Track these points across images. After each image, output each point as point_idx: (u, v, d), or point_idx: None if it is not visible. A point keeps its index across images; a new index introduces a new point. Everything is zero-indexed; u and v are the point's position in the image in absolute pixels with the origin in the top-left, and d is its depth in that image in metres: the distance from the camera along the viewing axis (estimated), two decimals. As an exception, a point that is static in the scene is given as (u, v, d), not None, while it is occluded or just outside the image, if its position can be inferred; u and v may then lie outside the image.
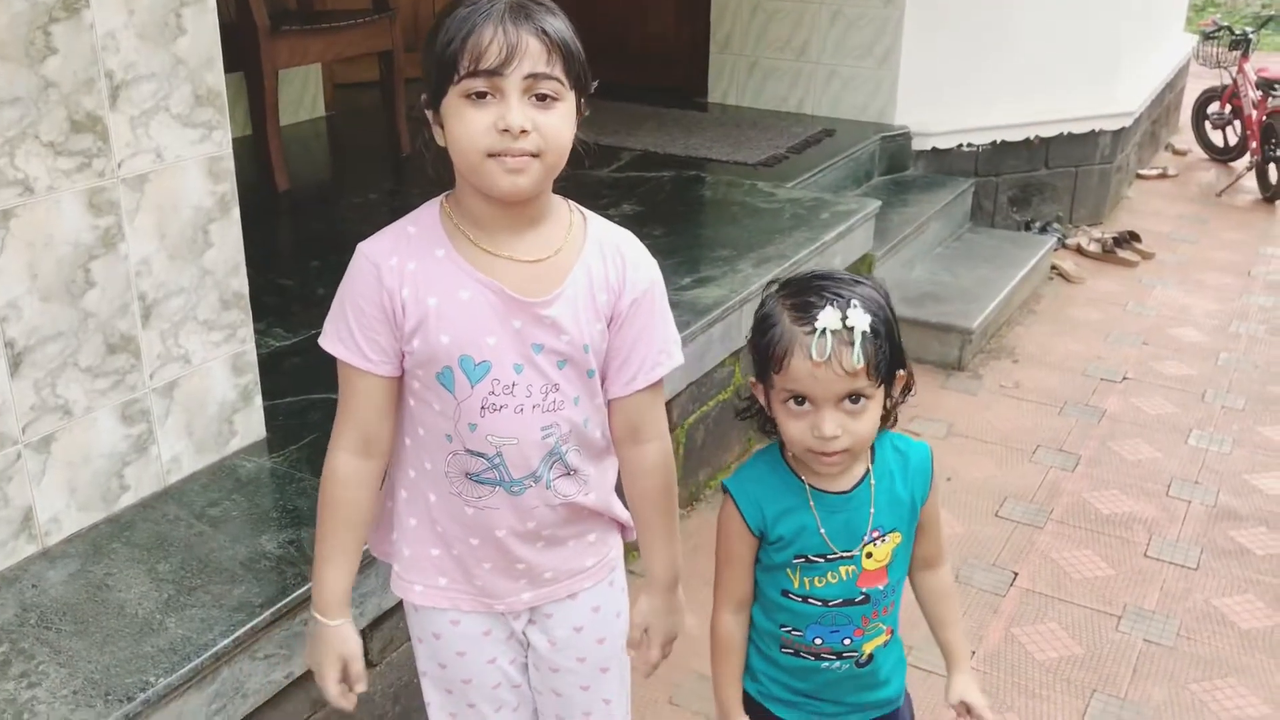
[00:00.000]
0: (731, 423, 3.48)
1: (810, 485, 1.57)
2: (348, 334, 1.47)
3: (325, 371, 1.62)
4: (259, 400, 2.47)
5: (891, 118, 5.42)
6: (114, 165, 2.06)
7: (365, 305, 1.46)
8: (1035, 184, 5.93)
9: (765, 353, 1.50)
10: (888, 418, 1.57)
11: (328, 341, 1.50)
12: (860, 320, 1.44)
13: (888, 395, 1.54)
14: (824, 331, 1.43)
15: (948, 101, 5.45)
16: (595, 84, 1.46)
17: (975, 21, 5.45)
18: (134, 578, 2.03)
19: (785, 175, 4.68)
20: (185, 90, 2.17)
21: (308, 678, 1.99)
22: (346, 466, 1.52)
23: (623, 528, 1.70)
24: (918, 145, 5.46)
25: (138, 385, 2.19)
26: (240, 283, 2.36)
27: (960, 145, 5.59)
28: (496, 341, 1.45)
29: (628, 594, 1.74)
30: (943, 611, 1.71)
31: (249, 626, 1.91)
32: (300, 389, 2.69)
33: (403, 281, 1.44)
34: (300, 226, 4.10)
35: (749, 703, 1.69)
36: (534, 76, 1.35)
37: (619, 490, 1.67)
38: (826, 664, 1.63)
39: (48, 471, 2.07)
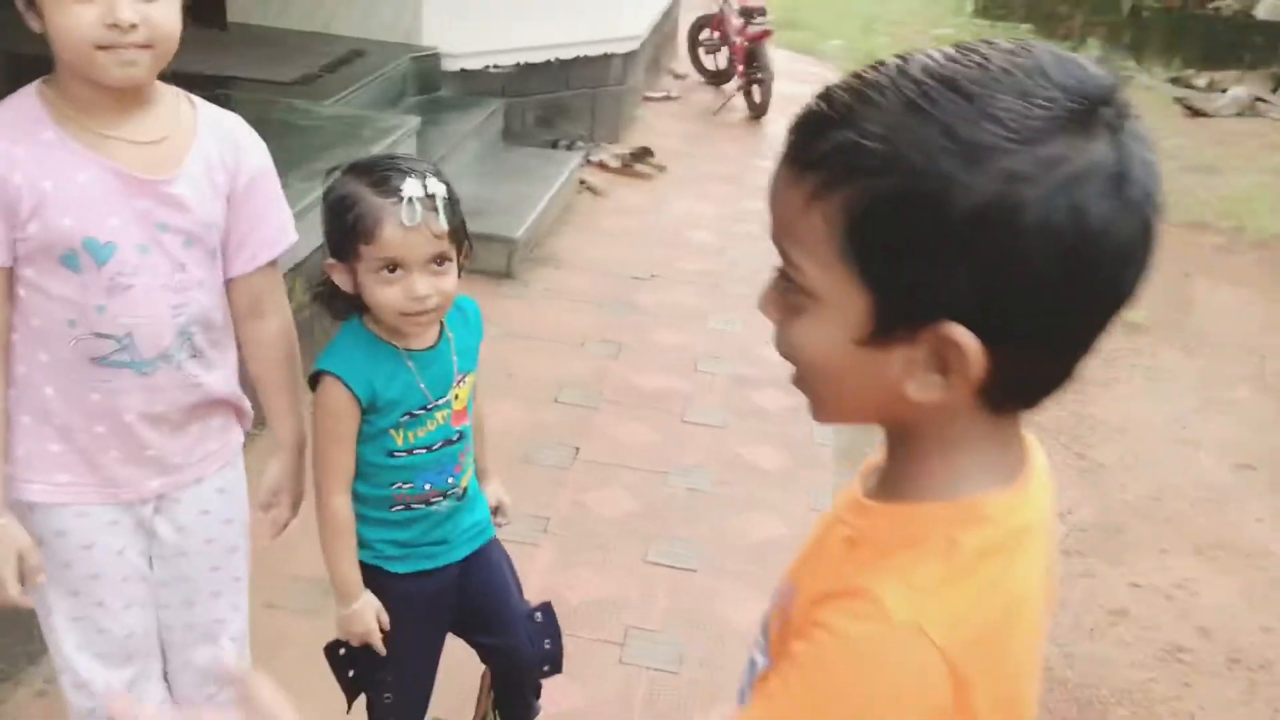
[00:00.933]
0: (311, 334, 3.45)
1: (402, 347, 1.70)
2: None
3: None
4: None
5: (420, 38, 5.50)
6: None
7: None
8: (559, 105, 6.30)
9: (352, 229, 1.60)
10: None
11: None
12: (439, 188, 1.61)
13: (460, 257, 1.70)
14: (412, 200, 1.57)
15: (473, 24, 5.62)
16: None
17: (493, -55, 5.65)
18: None
19: (319, 94, 4.62)
20: None
21: None
22: None
23: (241, 416, 1.77)
24: (447, 66, 5.60)
25: None
26: None
27: (487, 66, 5.80)
28: (121, 222, 1.46)
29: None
30: (485, 435, 1.96)
31: None
32: None
33: (12, 166, 1.41)
34: None
35: (364, 570, 1.78)
36: None
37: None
38: (435, 506, 1.78)
39: None
